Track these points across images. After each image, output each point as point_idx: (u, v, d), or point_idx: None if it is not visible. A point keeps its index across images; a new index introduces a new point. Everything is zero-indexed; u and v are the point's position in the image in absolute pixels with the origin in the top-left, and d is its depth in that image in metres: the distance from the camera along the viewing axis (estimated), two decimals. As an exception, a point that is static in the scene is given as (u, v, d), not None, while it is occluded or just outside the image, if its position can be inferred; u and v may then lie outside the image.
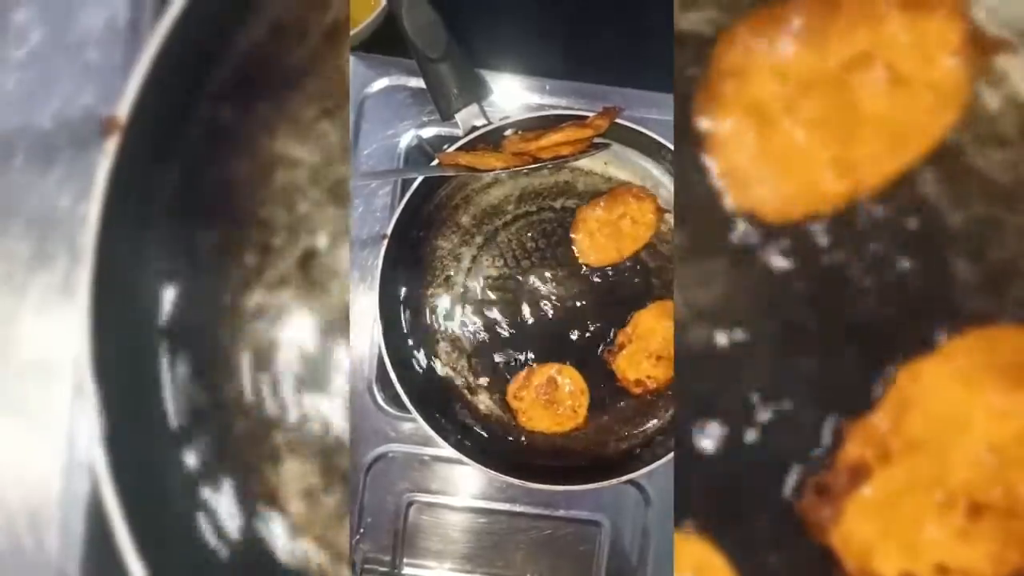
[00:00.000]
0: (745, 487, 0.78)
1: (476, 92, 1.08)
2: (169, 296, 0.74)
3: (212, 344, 0.74)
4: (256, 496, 0.76)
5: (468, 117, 1.08)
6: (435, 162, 1.03)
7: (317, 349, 0.78)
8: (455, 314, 1.14)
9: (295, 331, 0.79)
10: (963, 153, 0.79)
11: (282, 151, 0.77)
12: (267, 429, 0.76)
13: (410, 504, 1.14)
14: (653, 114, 1.18)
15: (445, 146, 1.06)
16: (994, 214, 0.80)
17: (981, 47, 0.78)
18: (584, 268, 1.14)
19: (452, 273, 1.14)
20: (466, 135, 1.07)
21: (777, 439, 0.80)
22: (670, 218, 1.14)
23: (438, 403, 1.11)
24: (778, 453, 0.80)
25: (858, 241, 0.80)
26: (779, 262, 0.80)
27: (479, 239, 1.15)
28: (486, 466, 1.04)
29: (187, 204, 0.73)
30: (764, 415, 0.80)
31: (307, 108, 0.77)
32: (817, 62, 0.80)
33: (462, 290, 1.14)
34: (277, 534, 0.75)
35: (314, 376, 0.77)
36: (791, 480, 0.80)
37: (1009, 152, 0.79)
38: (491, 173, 1.06)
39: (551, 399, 1.07)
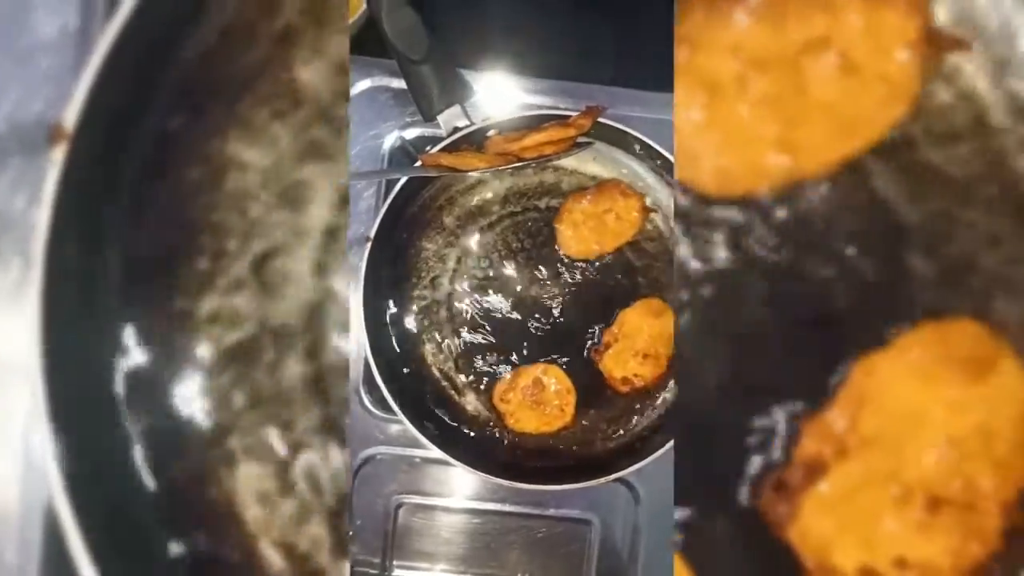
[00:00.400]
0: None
1: (458, 93, 1.08)
2: (122, 302, 0.72)
3: (166, 350, 0.73)
4: (212, 501, 0.74)
5: (450, 118, 1.08)
6: (418, 163, 1.01)
7: (271, 356, 0.75)
8: (441, 316, 1.14)
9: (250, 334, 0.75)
10: (917, 148, 0.79)
11: (233, 155, 0.76)
12: (222, 434, 0.73)
13: (399, 506, 1.14)
14: (637, 112, 1.17)
15: (428, 147, 1.07)
16: (948, 209, 0.80)
17: (937, 44, 0.77)
18: (569, 267, 1.15)
19: (437, 274, 1.14)
20: (449, 136, 1.06)
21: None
22: (656, 217, 1.15)
23: (425, 405, 1.12)
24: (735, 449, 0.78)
25: (806, 229, 0.80)
26: (721, 252, 0.78)
27: (464, 240, 1.14)
28: (474, 468, 1.05)
29: (139, 210, 0.72)
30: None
31: (258, 111, 0.76)
32: (772, 41, 0.80)
33: (448, 291, 1.14)
34: (234, 540, 0.73)
35: (272, 383, 0.75)
36: (748, 477, 0.79)
37: (962, 147, 0.78)
38: (475, 174, 1.06)
39: (538, 400, 1.07)
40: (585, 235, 1.13)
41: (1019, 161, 0.80)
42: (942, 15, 0.79)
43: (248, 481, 0.78)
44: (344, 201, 0.78)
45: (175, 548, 0.75)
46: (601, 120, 1.08)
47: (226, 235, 0.78)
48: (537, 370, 1.11)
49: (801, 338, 0.81)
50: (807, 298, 0.81)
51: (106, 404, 0.75)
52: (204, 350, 0.78)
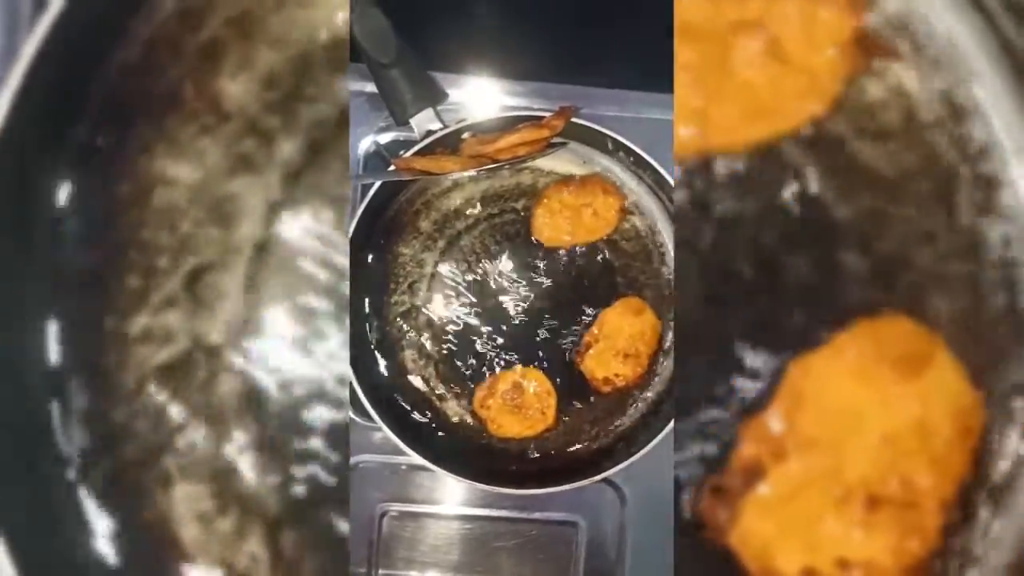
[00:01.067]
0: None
1: (430, 96, 1.08)
2: (52, 323, 0.73)
3: (98, 371, 0.72)
4: (148, 523, 0.74)
5: (423, 122, 1.07)
6: (391, 168, 1.00)
7: (204, 373, 0.74)
8: (420, 321, 1.13)
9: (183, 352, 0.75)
10: (847, 144, 0.79)
11: (161, 171, 0.76)
12: (157, 454, 0.73)
13: (384, 514, 1.13)
14: (614, 111, 1.16)
15: (402, 151, 1.06)
16: (881, 206, 0.79)
17: (867, 49, 0.78)
18: (549, 268, 1.15)
19: (415, 280, 1.13)
20: (422, 139, 1.06)
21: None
22: (634, 219, 1.15)
23: (406, 412, 1.12)
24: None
25: (735, 227, 0.80)
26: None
27: (441, 244, 1.15)
28: (458, 474, 1.04)
29: (66, 227, 0.72)
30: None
31: (185, 126, 0.75)
32: (707, 15, 0.80)
33: (426, 297, 1.13)
34: (171, 559, 0.72)
35: (205, 400, 0.74)
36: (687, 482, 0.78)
37: (892, 145, 0.78)
38: (450, 177, 1.06)
39: (518, 404, 1.06)
40: (560, 224, 1.13)
41: (950, 157, 0.79)
42: (877, 21, 0.78)
43: (184, 501, 0.75)
44: (273, 214, 0.76)
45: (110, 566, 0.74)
46: (576, 120, 1.07)
47: (157, 252, 0.78)
48: (516, 374, 1.10)
49: (736, 336, 0.79)
50: (738, 297, 0.79)
51: (39, 424, 0.76)
52: (136, 368, 0.74)
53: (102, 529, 0.77)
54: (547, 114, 1.06)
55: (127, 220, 0.78)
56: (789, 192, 0.79)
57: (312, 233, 0.78)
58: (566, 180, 1.13)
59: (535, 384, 1.09)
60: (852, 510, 0.77)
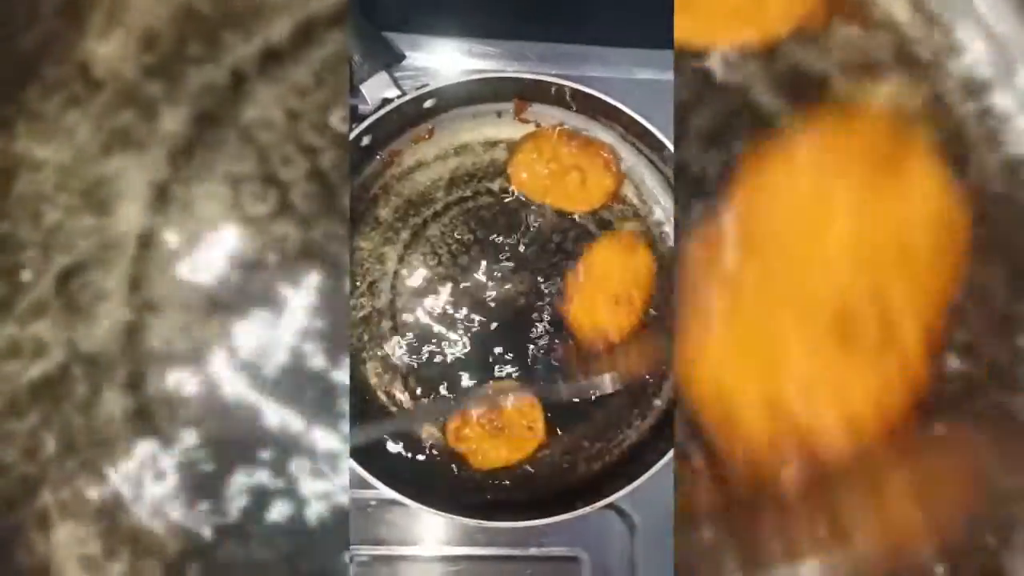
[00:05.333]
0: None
1: (382, 58, 1.06)
2: None
3: None
4: (25, 571, 0.73)
5: (376, 88, 1.05)
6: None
7: (85, 390, 0.71)
8: (383, 327, 1.10)
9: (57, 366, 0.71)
10: None
11: (22, 152, 0.74)
12: (31, 490, 0.70)
13: (352, 559, 1.09)
14: (599, 72, 1.16)
15: (352, 125, 1.02)
16: None
17: None
18: (532, 259, 1.11)
19: (376, 279, 1.11)
20: (376, 110, 1.03)
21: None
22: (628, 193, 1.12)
23: (370, 436, 1.06)
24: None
25: None
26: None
27: (405, 235, 1.12)
28: (435, 508, 1.00)
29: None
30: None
31: (47, 99, 0.72)
32: None
33: (389, 297, 1.11)
34: None
35: (87, 423, 0.71)
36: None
37: None
38: (413, 155, 1.08)
39: (499, 425, 1.02)
40: (541, 175, 1.11)
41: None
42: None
43: (67, 544, 0.74)
44: (160, 199, 0.72)
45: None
46: (567, 84, 1.06)
47: (20, 249, 0.76)
48: (487, 390, 1.05)
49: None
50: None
51: None
52: (3, 387, 0.74)
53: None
54: (523, 76, 1.06)
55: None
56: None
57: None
58: (571, 133, 1.10)
59: (512, 397, 1.02)
60: (817, 330, 0.74)
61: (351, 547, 1.08)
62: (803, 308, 0.73)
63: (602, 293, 1.07)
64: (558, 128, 1.10)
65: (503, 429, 1.05)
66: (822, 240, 0.73)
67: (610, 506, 1.05)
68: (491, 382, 1.07)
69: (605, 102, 1.05)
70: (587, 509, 1.00)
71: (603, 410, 1.10)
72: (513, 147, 1.10)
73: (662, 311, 1.08)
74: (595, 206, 1.10)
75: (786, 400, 0.72)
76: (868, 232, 0.73)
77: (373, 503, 1.11)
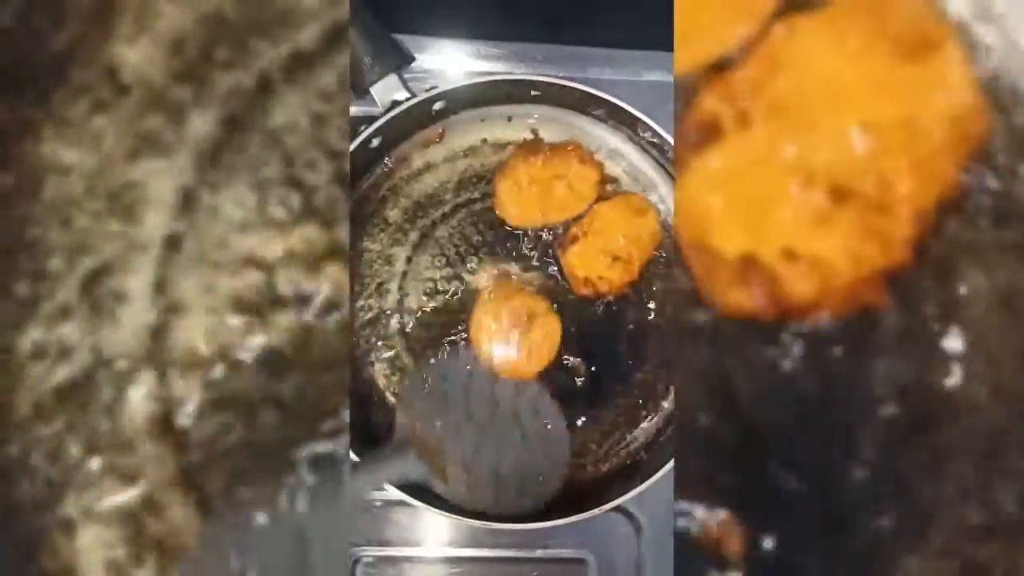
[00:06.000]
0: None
1: (393, 60, 1.06)
2: None
3: None
4: (49, 574, 0.73)
5: (386, 90, 1.06)
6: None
7: (110, 393, 0.71)
8: (391, 328, 1.10)
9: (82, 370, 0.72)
10: None
11: (50, 156, 0.74)
12: (56, 494, 0.70)
13: (357, 560, 1.12)
14: (608, 74, 1.17)
15: (362, 128, 1.03)
16: None
17: None
18: (541, 261, 1.11)
19: (384, 280, 1.11)
20: (386, 112, 1.03)
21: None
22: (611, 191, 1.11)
23: (378, 436, 1.07)
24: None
25: None
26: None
27: (413, 236, 1.13)
28: (443, 508, 1.00)
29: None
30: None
31: (75, 103, 0.72)
32: None
33: (397, 299, 1.11)
34: None
35: (112, 426, 0.71)
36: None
37: None
38: (423, 157, 1.08)
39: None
40: (528, 199, 1.10)
41: None
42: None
43: (92, 549, 0.74)
44: (187, 203, 0.73)
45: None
46: (572, 85, 1.06)
47: (47, 253, 0.76)
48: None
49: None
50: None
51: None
52: (29, 391, 0.73)
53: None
54: (531, 78, 1.06)
55: (12, 216, 0.76)
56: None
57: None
58: (532, 147, 1.10)
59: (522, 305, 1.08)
60: (812, 198, 0.74)
61: (357, 548, 1.10)
62: (804, 177, 0.74)
63: (602, 248, 1.08)
64: (517, 151, 1.12)
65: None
66: (836, 114, 0.74)
67: (616, 508, 1.05)
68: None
69: (613, 104, 1.06)
70: (595, 512, 1.00)
71: (611, 412, 1.10)
72: (493, 189, 1.10)
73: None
74: (590, 200, 1.10)
75: (767, 258, 0.74)
76: (883, 113, 0.74)
77: (378, 504, 1.11)
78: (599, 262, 1.07)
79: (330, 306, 0.74)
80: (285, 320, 0.76)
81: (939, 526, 0.71)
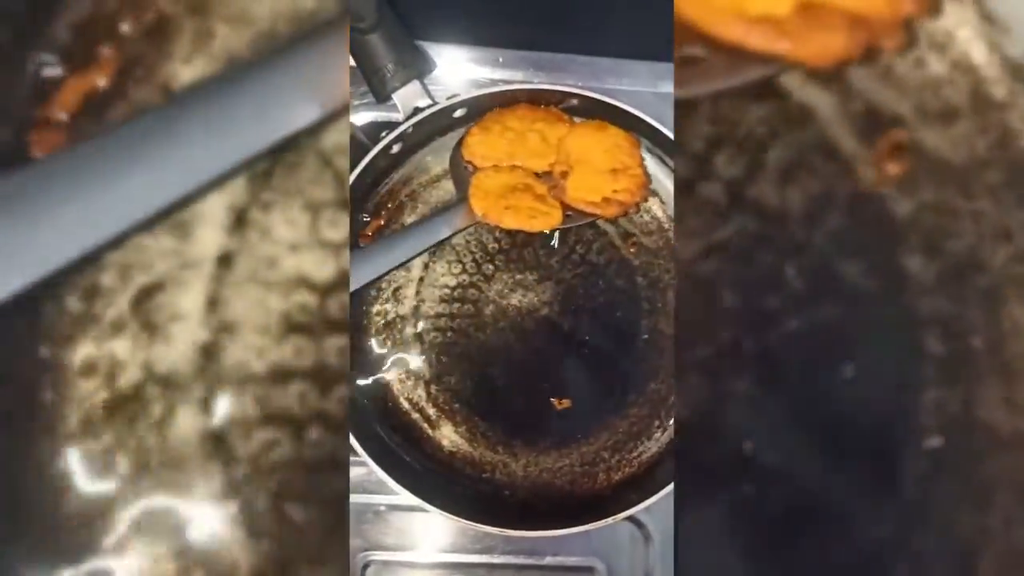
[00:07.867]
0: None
1: (416, 67, 1.07)
2: None
3: (31, 409, 0.71)
4: None
5: (408, 97, 1.06)
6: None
7: (160, 410, 0.73)
8: (407, 334, 1.12)
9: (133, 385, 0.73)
10: None
11: None
12: (106, 510, 0.71)
13: (366, 565, 1.13)
14: (624, 85, 1.18)
15: (383, 133, 1.04)
16: None
17: None
18: (560, 269, 1.13)
19: (400, 285, 1.13)
20: (408, 119, 1.04)
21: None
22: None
23: (392, 441, 1.10)
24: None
25: None
26: None
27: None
28: (454, 513, 1.02)
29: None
30: None
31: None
32: None
33: (414, 305, 1.12)
34: None
35: (162, 443, 0.73)
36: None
37: None
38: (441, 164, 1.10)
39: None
40: (497, 143, 1.09)
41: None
42: None
43: (140, 565, 0.75)
44: (239, 223, 0.74)
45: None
46: (588, 95, 1.07)
47: (99, 268, 0.75)
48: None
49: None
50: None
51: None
52: (78, 406, 0.73)
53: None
54: (548, 88, 1.07)
55: (63, 231, 0.74)
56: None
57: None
58: (512, 105, 1.10)
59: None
60: None
61: (366, 553, 1.11)
62: None
63: (596, 167, 1.08)
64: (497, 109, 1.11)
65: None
66: None
67: (626, 517, 1.05)
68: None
69: (631, 114, 1.07)
70: (607, 521, 1.02)
71: (625, 421, 1.12)
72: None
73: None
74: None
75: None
76: None
77: (383, 508, 1.13)
78: (602, 179, 1.08)
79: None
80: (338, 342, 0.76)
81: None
